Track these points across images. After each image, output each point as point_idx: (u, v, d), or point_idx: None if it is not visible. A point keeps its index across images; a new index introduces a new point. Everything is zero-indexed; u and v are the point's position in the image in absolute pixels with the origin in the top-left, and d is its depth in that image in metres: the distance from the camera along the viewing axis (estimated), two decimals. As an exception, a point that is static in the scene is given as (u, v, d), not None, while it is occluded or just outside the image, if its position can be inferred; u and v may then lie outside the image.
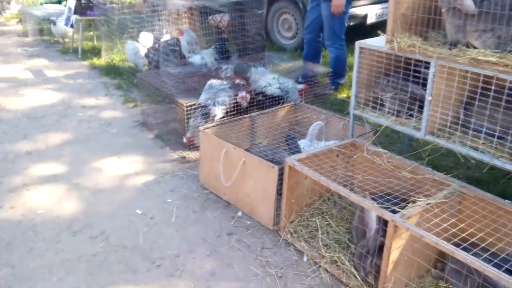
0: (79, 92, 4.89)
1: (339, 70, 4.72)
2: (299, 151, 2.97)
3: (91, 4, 6.13)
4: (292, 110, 3.62)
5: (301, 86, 4.03)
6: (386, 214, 2.01)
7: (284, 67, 4.60)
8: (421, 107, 2.54)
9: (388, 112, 2.66)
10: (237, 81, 3.90)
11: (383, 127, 2.70)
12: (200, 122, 3.45)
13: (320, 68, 4.32)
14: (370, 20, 5.86)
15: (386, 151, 2.64)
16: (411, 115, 2.59)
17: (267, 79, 4.04)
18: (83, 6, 6.16)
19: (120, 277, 2.33)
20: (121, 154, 3.60)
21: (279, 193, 2.62)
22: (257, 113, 3.41)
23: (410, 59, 2.44)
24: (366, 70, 2.73)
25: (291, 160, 2.46)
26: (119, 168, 3.40)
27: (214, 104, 3.55)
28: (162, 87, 3.81)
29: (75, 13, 6.13)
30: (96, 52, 6.27)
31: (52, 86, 5.07)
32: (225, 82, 3.76)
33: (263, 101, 3.94)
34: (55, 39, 7.08)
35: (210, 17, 6.53)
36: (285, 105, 3.61)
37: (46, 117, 4.27)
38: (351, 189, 2.66)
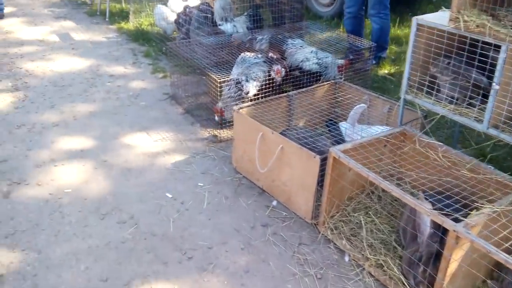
0: (106, 59, 4.71)
1: (382, 43, 4.39)
2: (341, 138, 2.75)
3: (119, -36, 5.84)
4: (332, 89, 3.36)
5: (341, 62, 3.74)
6: (447, 223, 1.79)
7: (322, 38, 4.29)
8: (484, 96, 2.27)
9: (445, 99, 2.39)
10: (271, 54, 3.64)
11: (438, 116, 2.44)
12: (232, 97, 3.24)
13: (365, 42, 3.99)
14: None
15: (441, 144, 2.38)
16: (471, 104, 2.32)
17: (305, 53, 3.77)
18: (111, -34, 5.88)
19: (150, 268, 2.21)
20: (150, 130, 3.44)
21: (319, 184, 2.43)
22: (294, 92, 3.17)
23: (477, 40, 2.14)
24: (422, 50, 2.44)
25: (336, 151, 2.24)
26: (148, 145, 3.25)
27: (247, 80, 3.32)
28: (193, 59, 3.58)
29: (102, -27, 5.86)
30: (124, 15, 6.03)
31: (79, 52, 4.90)
32: (259, 56, 3.50)
33: (300, 77, 3.69)
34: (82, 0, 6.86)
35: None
36: (325, 83, 3.35)
37: (74, 85, 4.12)
38: (400, 186, 2.45)
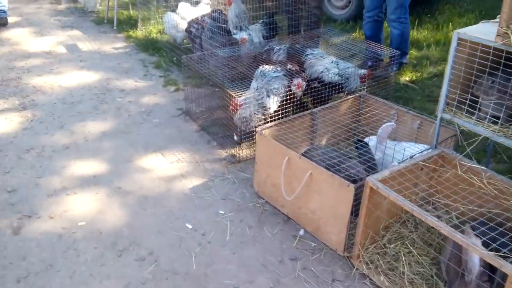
0: (116, 72, 4.54)
1: (403, 48, 4.18)
2: (373, 161, 2.55)
3: (126, -29, 5.66)
4: (356, 102, 3.17)
5: (363, 71, 3.54)
6: (507, 267, 1.60)
7: (343, 47, 4.08)
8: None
9: (488, 119, 2.19)
10: (290, 66, 3.44)
11: (480, 137, 2.24)
12: (252, 116, 3.05)
13: (386, 50, 3.78)
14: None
15: (485, 168, 2.18)
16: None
17: (325, 64, 3.57)
18: (117, -27, 5.70)
19: (173, 312, 2.05)
20: (165, 150, 3.27)
21: (353, 214, 2.24)
22: (318, 108, 2.98)
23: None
24: (463, 66, 2.24)
25: (373, 181, 2.05)
26: (164, 168, 3.08)
27: (268, 95, 3.13)
28: (210, 74, 3.40)
29: (109, -20, 5.69)
30: (132, 23, 5.86)
31: (88, 64, 4.74)
32: (278, 69, 3.31)
33: (320, 89, 3.49)
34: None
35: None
36: (349, 97, 3.15)
37: (83, 102, 3.96)
38: (441, 216, 2.26)
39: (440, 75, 4.16)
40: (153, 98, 4.03)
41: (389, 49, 3.84)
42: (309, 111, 2.94)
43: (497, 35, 1.97)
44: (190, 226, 2.56)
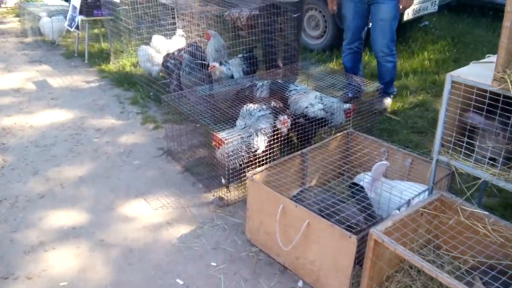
0: (90, 110, 4.37)
1: (393, 78, 4.17)
2: (368, 203, 2.48)
3: (98, 3, 5.53)
4: (345, 140, 3.12)
5: (347, 106, 3.50)
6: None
7: (322, 79, 4.06)
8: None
9: (487, 162, 2.16)
10: (274, 103, 3.38)
11: (480, 181, 2.20)
12: (236, 154, 2.94)
13: (366, 81, 3.78)
14: (407, 16, 5.27)
15: (487, 213, 2.15)
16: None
17: (309, 99, 3.52)
18: (89, 5, 5.56)
19: None
20: (148, 195, 3.11)
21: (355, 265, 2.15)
22: (308, 149, 2.90)
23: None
24: (458, 108, 2.21)
25: (378, 234, 1.97)
26: (148, 215, 2.92)
27: (257, 135, 3.04)
28: (192, 113, 3.28)
29: (80, 13, 5.53)
30: (104, 56, 5.71)
31: (60, 102, 4.54)
32: (264, 107, 3.24)
33: (305, 125, 3.43)
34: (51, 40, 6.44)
35: (226, 13, 5.95)
36: (337, 135, 3.10)
37: (57, 144, 3.76)
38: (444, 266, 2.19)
39: (421, 105, 4.20)
40: (131, 137, 3.87)
41: (370, 82, 3.84)
42: (299, 152, 2.86)
43: (494, 80, 1.95)
44: (181, 282, 2.40)
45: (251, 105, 3.26)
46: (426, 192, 2.45)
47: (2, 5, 8.57)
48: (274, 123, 3.09)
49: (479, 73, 2.10)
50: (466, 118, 2.16)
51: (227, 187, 3.02)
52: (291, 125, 3.29)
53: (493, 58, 2.31)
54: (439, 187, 2.58)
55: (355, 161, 2.96)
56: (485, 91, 2.01)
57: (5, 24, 7.48)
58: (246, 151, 2.97)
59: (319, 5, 5.44)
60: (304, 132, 3.39)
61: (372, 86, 3.70)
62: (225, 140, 2.86)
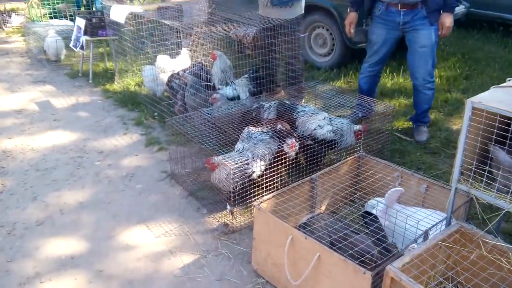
0: (93, 131, 4.27)
1: (431, 106, 3.88)
2: (383, 234, 2.34)
3: (102, 23, 5.48)
4: (356, 165, 2.99)
5: (358, 127, 3.38)
6: None
7: (330, 99, 3.95)
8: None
9: (510, 193, 2.02)
10: (280, 126, 3.25)
11: (503, 212, 2.06)
12: (230, 178, 2.81)
13: (377, 102, 3.64)
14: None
15: (510, 246, 2.00)
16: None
17: (317, 120, 3.41)
18: (94, 25, 5.51)
19: None
20: (150, 222, 2.99)
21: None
22: (317, 174, 2.77)
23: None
24: (479, 136, 2.08)
25: (395, 272, 1.82)
26: (150, 243, 2.79)
27: (254, 159, 2.91)
28: (198, 137, 3.17)
29: (85, 33, 5.49)
30: (109, 76, 5.64)
31: (63, 123, 4.46)
32: (265, 130, 3.11)
33: (314, 147, 3.31)
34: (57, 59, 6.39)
35: (232, 31, 5.88)
36: (348, 159, 2.97)
37: (58, 168, 3.66)
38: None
39: (433, 124, 4.05)
40: (134, 160, 3.76)
41: (380, 102, 3.71)
42: (308, 178, 2.73)
43: (519, 106, 1.83)
44: (184, 319, 2.26)
45: (252, 128, 3.15)
46: (444, 222, 2.31)
47: (8, 25, 8.59)
48: (282, 146, 2.97)
49: (501, 99, 1.98)
50: (490, 151, 2.02)
51: (232, 213, 2.89)
52: (299, 147, 3.17)
53: (514, 80, 2.19)
54: (456, 215, 2.44)
55: (368, 187, 2.82)
56: (509, 118, 1.88)
57: (10, 44, 7.48)
58: (241, 176, 2.83)
59: (326, 23, 5.36)
60: (312, 154, 3.26)
61: (382, 106, 3.57)
62: (218, 164, 2.75)
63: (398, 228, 2.40)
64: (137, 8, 4.88)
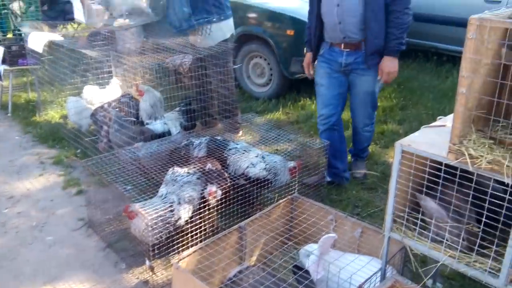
0: (5, 173, 3.82)
1: (369, 144, 3.75)
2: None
3: (23, 51, 5.06)
4: (289, 208, 2.78)
5: (292, 164, 3.19)
6: None
7: (267, 136, 3.76)
8: (501, 238, 1.77)
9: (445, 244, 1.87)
10: (210, 165, 3.00)
11: (438, 264, 1.90)
12: (157, 233, 2.51)
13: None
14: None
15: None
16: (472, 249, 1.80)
17: (250, 158, 3.19)
18: (13, 54, 5.08)
19: None
20: (59, 282, 2.61)
21: None
22: (246, 221, 2.53)
23: (488, 178, 1.66)
24: (410, 181, 1.93)
25: None
26: (55, 310, 2.41)
27: (179, 203, 2.64)
28: (117, 180, 2.85)
29: (3, 62, 5.04)
30: (30, 108, 5.18)
31: (-29, 163, 3.98)
32: (191, 171, 2.85)
33: (246, 186, 3.08)
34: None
35: (168, 60, 5.64)
36: (280, 202, 2.76)
37: (-43, 218, 3.19)
38: None
39: (370, 158, 3.96)
40: (49, 206, 3.36)
41: (316, 137, 3.56)
42: (236, 226, 2.48)
43: (449, 152, 1.69)
44: None
45: (178, 169, 2.88)
46: (379, 274, 2.13)
47: None
48: (203, 192, 2.71)
49: (432, 141, 1.84)
50: (419, 199, 1.87)
51: (152, 269, 2.57)
52: (228, 191, 2.91)
53: (444, 120, 2.08)
54: (393, 263, 2.28)
55: (301, 233, 2.61)
56: (440, 163, 1.74)
57: None
58: (163, 225, 2.54)
59: (263, 53, 5.24)
60: (245, 194, 3.02)
61: (318, 141, 3.41)
62: (135, 212, 2.46)
63: (331, 282, 2.19)
64: (57, 36, 4.52)
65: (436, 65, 6.36)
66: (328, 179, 3.49)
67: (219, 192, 2.74)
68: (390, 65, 3.05)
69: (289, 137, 3.86)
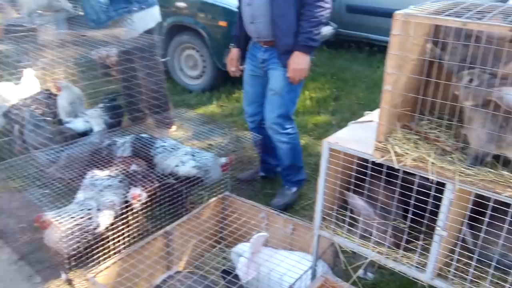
0: None
1: (297, 163, 3.16)
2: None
3: None
4: (220, 207, 2.66)
5: (224, 159, 3.07)
6: None
7: (199, 131, 3.62)
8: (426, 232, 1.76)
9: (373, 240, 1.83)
10: (135, 166, 2.81)
11: (367, 260, 1.87)
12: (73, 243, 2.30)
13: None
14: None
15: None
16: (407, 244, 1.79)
17: (179, 156, 3.03)
18: None
19: None
20: (-38, 303, 2.33)
21: None
22: (173, 225, 2.38)
23: (413, 175, 1.63)
24: (339, 179, 1.88)
25: None
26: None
27: (99, 209, 2.43)
28: (30, 185, 2.59)
29: None
30: None
31: None
32: (113, 174, 2.65)
33: (176, 186, 2.92)
34: None
35: (94, 51, 5.29)
36: (210, 201, 2.63)
37: None
38: None
39: (304, 149, 3.90)
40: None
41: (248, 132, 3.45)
42: (161, 231, 2.32)
43: (376, 149, 1.63)
44: None
45: (97, 172, 2.66)
46: (309, 272, 2.07)
47: None
48: (126, 196, 2.53)
49: (359, 138, 1.79)
50: (346, 197, 1.82)
51: (70, 282, 2.36)
52: (153, 195, 2.73)
53: (371, 115, 2.04)
54: (325, 258, 2.24)
55: (234, 232, 2.49)
56: (367, 160, 1.69)
57: None
58: (80, 234, 2.33)
59: (195, 44, 5.05)
60: (175, 194, 2.86)
61: (249, 138, 3.30)
62: (48, 222, 2.24)
63: (262, 284, 2.11)
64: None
65: (368, 55, 6.48)
66: (262, 174, 3.41)
67: (144, 195, 2.57)
68: (296, 61, 2.69)
69: (223, 131, 3.76)
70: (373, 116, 2.00)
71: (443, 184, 1.54)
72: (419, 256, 1.72)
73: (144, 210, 2.63)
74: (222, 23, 4.73)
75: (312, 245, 2.06)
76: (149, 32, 3.70)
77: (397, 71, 1.53)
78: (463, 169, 1.51)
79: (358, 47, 6.74)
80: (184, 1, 4.96)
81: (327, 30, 5.94)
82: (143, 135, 3.20)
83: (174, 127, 3.99)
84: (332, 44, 6.59)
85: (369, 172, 1.71)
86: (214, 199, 2.65)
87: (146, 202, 2.59)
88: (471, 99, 1.50)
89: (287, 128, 2.98)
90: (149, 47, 3.61)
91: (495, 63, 1.45)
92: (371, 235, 1.82)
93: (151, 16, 3.69)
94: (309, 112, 4.61)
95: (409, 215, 1.68)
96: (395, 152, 1.58)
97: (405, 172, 1.63)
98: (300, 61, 2.69)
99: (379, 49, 6.34)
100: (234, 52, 3.10)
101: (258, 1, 2.74)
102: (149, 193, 2.63)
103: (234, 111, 4.67)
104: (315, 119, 4.45)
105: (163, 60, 4.04)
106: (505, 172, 1.48)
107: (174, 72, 5.31)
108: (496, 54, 1.44)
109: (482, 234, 1.56)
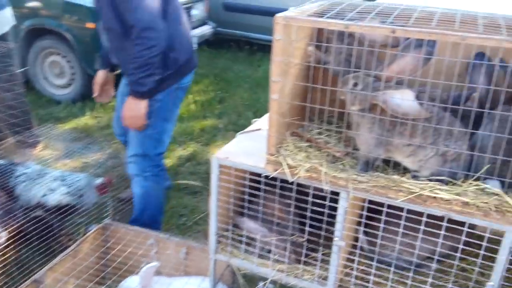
0: None
1: (148, 221, 2.58)
2: None
3: None
4: (101, 238, 2.33)
5: (100, 180, 2.71)
6: None
7: (70, 144, 3.22)
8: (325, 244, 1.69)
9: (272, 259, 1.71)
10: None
11: (267, 282, 1.75)
12: None
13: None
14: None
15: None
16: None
17: (46, 183, 2.62)
18: None
19: None
20: None
21: None
22: (42, 271, 2.00)
23: (305, 186, 1.53)
24: (231, 197, 1.71)
25: None
26: None
27: None
28: None
29: None
30: None
31: None
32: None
33: (46, 218, 2.52)
34: None
35: None
36: (89, 233, 2.29)
37: None
38: None
39: (192, 158, 3.73)
40: None
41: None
42: (30, 280, 1.94)
43: (268, 163, 1.50)
44: None
45: None
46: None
47: None
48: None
49: (249, 150, 1.65)
50: (237, 222, 1.67)
51: None
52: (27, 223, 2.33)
53: (259, 123, 1.92)
54: (224, 281, 2.08)
55: (118, 269, 2.18)
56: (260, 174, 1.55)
57: None
58: None
59: (60, 49, 4.52)
60: (45, 230, 2.46)
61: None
62: None
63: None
64: None
65: (248, 54, 6.47)
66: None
67: (3, 234, 2.15)
68: (128, 107, 2.24)
69: (100, 146, 3.40)
70: (260, 124, 1.88)
71: (337, 193, 1.47)
72: (319, 269, 1.63)
73: (5, 254, 2.20)
74: (90, 25, 4.30)
75: (209, 269, 1.88)
76: (1, 38, 3.19)
77: (282, 78, 1.40)
78: (355, 176, 1.45)
79: (238, 46, 6.70)
80: (44, 1, 4.41)
81: (206, 30, 5.80)
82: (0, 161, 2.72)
83: (39, 147, 3.50)
84: (212, 44, 6.46)
85: (262, 186, 1.57)
86: (92, 230, 2.31)
87: (7, 244, 2.17)
88: (358, 104, 1.45)
89: (144, 171, 2.50)
90: (2, 56, 3.10)
91: (379, 65, 1.40)
92: (269, 252, 1.70)
93: (2, 19, 3.17)
94: (194, 117, 4.41)
95: (307, 228, 1.59)
96: (288, 164, 1.46)
97: (298, 184, 1.53)
98: (132, 108, 2.23)
99: (259, 48, 6.37)
100: (100, 75, 2.68)
101: (101, 27, 2.41)
102: (11, 233, 2.21)
103: (111, 122, 4.27)
104: (201, 124, 4.26)
105: (21, 70, 3.54)
106: (395, 176, 1.45)
107: (37, 81, 4.71)
108: (379, 57, 1.39)
109: (378, 240, 1.52)
